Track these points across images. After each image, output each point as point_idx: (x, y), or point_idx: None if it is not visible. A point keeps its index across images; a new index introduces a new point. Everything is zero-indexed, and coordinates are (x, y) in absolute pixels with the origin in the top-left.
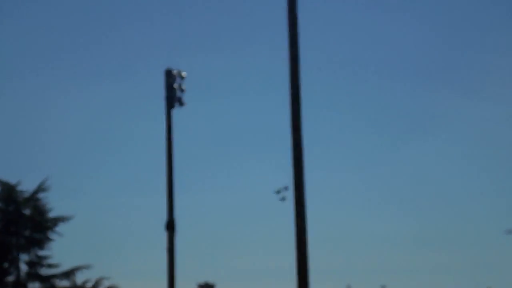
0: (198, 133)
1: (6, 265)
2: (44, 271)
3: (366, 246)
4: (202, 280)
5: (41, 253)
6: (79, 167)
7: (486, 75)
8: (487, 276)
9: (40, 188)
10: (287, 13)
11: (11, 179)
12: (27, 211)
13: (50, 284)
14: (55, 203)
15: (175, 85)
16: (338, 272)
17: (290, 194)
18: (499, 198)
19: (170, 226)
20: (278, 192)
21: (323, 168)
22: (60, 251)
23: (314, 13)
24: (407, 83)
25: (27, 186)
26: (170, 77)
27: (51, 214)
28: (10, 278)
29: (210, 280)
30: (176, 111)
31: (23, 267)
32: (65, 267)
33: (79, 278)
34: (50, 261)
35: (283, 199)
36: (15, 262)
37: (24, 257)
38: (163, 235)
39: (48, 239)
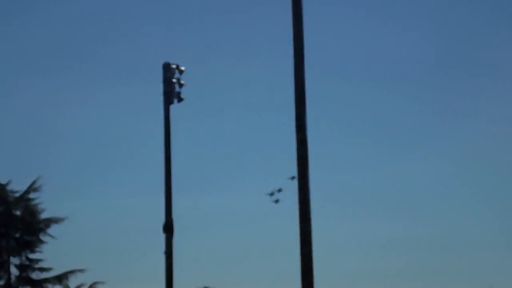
0: (197, 130)
1: None
2: (36, 275)
3: (372, 249)
4: (201, 284)
5: (33, 256)
6: (72, 166)
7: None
8: (487, 276)
9: (32, 188)
10: (292, 7)
11: (1, 178)
12: (18, 212)
13: None
14: (47, 204)
15: (174, 79)
16: (343, 274)
17: (294, 195)
18: (499, 198)
19: (168, 228)
20: (271, 194)
21: (328, 168)
22: (52, 254)
23: (319, 7)
24: (417, 81)
25: (18, 186)
26: (168, 70)
27: (43, 215)
28: (0, 283)
29: (210, 284)
30: (174, 107)
31: (14, 271)
32: (57, 270)
33: (73, 282)
34: (42, 264)
35: (276, 201)
36: (5, 266)
37: (14, 260)
38: (161, 238)
39: (40, 241)
